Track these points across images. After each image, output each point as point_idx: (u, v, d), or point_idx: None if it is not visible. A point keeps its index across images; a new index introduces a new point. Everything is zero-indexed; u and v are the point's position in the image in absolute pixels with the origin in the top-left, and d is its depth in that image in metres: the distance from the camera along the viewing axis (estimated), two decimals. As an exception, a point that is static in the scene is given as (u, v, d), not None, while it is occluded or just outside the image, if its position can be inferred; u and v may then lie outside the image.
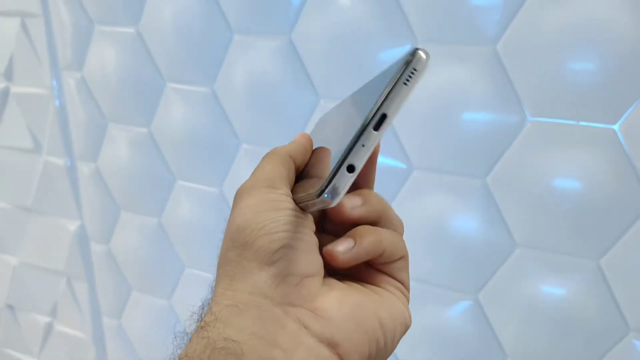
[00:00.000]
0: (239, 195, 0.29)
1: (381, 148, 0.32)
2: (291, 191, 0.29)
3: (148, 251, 0.89)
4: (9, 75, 0.93)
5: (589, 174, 0.55)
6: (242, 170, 0.76)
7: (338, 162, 0.24)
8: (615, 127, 0.53)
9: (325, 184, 0.24)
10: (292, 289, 0.25)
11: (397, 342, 0.28)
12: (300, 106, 0.68)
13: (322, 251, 0.28)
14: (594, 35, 0.51)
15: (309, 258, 0.26)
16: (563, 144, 0.55)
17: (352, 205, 0.28)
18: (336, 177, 0.24)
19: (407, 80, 0.24)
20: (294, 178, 0.30)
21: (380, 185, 0.32)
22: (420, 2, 0.58)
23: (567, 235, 0.57)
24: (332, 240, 0.28)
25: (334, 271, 0.28)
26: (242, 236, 0.26)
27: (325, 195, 0.24)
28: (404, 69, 0.24)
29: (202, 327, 0.24)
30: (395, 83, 0.24)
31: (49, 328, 1.08)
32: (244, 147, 0.75)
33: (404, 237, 0.30)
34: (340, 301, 0.26)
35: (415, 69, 0.24)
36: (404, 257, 0.30)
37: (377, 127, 0.24)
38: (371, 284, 0.29)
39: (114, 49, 0.80)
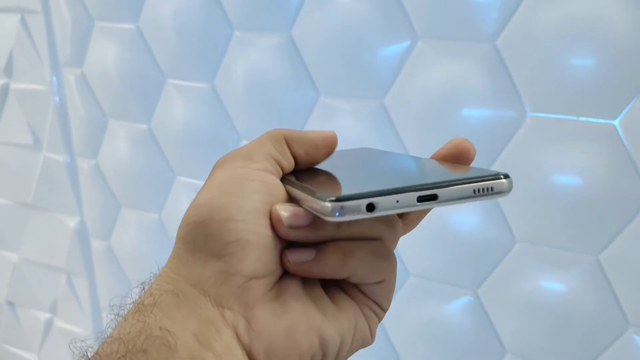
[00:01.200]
0: (214, 167, 0.27)
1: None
2: (288, 174, 0.27)
3: (148, 247, 0.89)
4: (9, 71, 0.93)
5: (588, 169, 0.55)
6: (242, 167, 0.76)
7: (367, 192, 0.22)
8: (616, 122, 0.53)
9: (339, 197, 0.22)
10: (233, 290, 0.24)
11: (348, 356, 0.26)
12: (301, 102, 0.69)
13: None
14: (594, 31, 0.51)
15: (263, 256, 0.24)
16: (563, 139, 0.55)
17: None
18: (352, 202, 0.21)
19: (478, 190, 0.23)
20: (282, 159, 0.27)
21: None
22: (421, -2, 0.58)
23: (567, 230, 0.57)
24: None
25: None
26: (199, 213, 0.24)
27: (327, 203, 0.21)
28: (485, 179, 0.23)
29: (139, 310, 0.23)
30: (468, 182, 0.23)
31: (49, 324, 1.09)
32: (243, 143, 0.75)
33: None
34: (277, 315, 0.24)
35: (492, 188, 0.23)
36: (384, 282, 0.26)
37: (420, 200, 0.22)
38: (345, 294, 0.27)
39: (114, 46, 0.80)
